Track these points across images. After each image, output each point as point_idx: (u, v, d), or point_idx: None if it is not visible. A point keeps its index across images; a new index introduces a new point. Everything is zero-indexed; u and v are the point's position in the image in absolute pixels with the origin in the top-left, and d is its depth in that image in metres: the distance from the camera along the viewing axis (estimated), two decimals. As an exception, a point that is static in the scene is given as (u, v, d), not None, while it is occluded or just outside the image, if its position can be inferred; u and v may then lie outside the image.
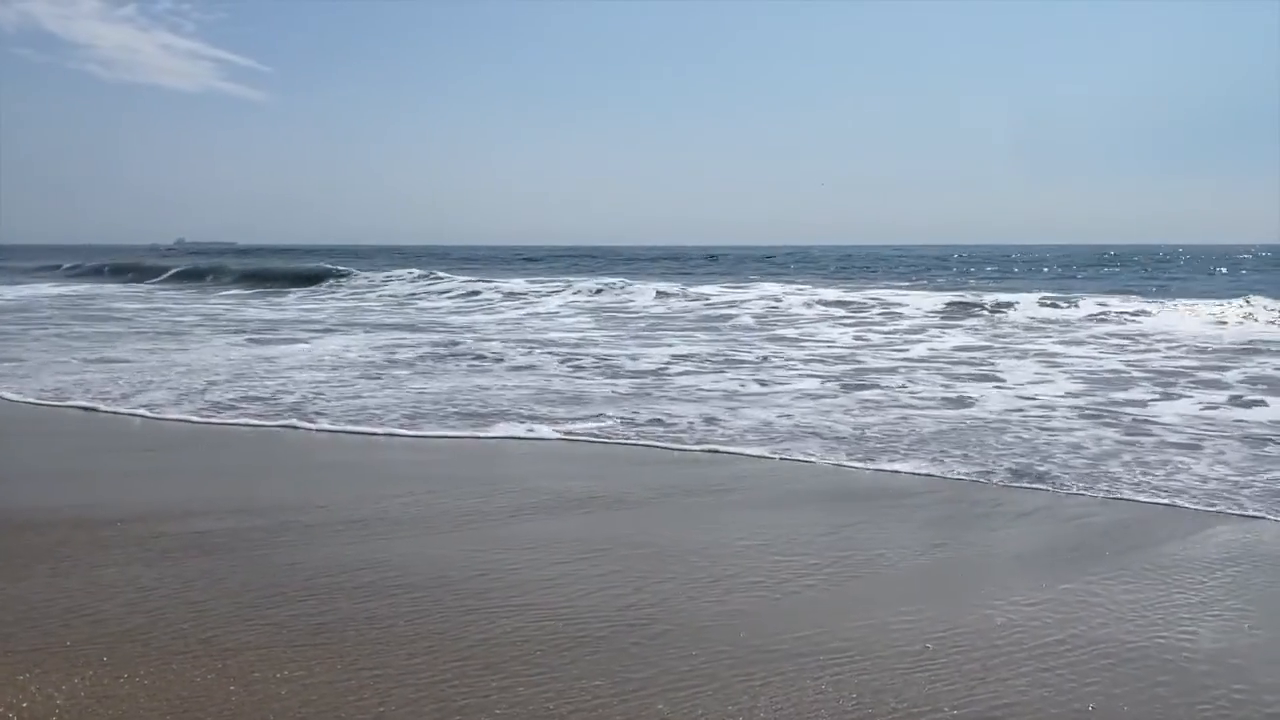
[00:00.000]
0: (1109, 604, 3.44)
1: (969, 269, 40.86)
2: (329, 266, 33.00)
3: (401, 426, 6.77)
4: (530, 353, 11.39)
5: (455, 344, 12.49)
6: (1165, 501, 4.85)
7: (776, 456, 5.89)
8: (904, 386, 8.73)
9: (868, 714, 2.61)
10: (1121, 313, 16.11)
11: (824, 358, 11.04)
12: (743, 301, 19.67)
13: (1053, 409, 7.51)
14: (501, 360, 10.71)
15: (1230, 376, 9.23)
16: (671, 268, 43.21)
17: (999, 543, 4.27)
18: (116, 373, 9.33)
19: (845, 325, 15.48)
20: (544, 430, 6.63)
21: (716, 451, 6.06)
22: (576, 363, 10.49)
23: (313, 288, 27.96)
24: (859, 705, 2.66)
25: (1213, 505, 4.76)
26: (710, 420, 6.99)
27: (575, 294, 22.78)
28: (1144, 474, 5.38)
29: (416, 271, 30.33)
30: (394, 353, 11.37)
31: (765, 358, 10.99)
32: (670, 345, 12.44)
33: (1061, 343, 12.68)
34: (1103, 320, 15.63)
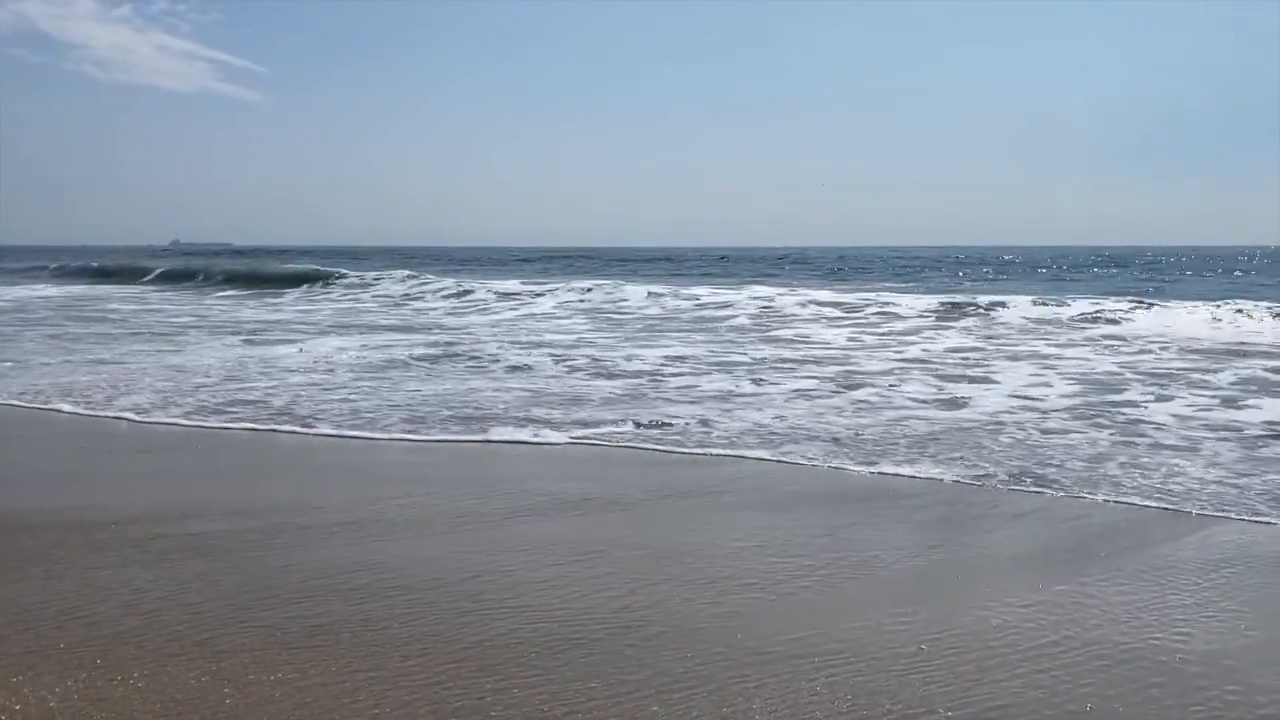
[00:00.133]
0: (1104, 605, 3.45)
1: (964, 270, 40.94)
2: (326, 269, 32.93)
3: (397, 429, 6.77)
4: (526, 354, 11.39)
5: (451, 345, 12.49)
6: (1159, 503, 4.86)
7: (771, 458, 5.90)
8: (898, 388, 8.75)
9: (863, 715, 2.61)
10: (1115, 314, 16.16)
11: (818, 359, 11.05)
12: (738, 303, 19.69)
13: (1047, 411, 7.53)
14: (498, 361, 10.72)
15: (1223, 378, 9.26)
16: (667, 269, 43.22)
17: (994, 544, 4.27)
18: (112, 375, 9.31)
19: (840, 326, 15.51)
20: (540, 432, 6.63)
21: (711, 453, 6.06)
22: (572, 364, 10.50)
23: (308, 289, 27.94)
24: (854, 707, 2.66)
25: (1207, 507, 4.78)
26: (705, 422, 7.00)
27: (570, 292, 22.87)
28: (1138, 476, 5.39)
29: (409, 273, 30.30)
30: (390, 354, 11.37)
31: (760, 359, 11.00)
32: (666, 346, 12.46)
33: (1055, 344, 12.71)
34: (1096, 321, 15.69)
